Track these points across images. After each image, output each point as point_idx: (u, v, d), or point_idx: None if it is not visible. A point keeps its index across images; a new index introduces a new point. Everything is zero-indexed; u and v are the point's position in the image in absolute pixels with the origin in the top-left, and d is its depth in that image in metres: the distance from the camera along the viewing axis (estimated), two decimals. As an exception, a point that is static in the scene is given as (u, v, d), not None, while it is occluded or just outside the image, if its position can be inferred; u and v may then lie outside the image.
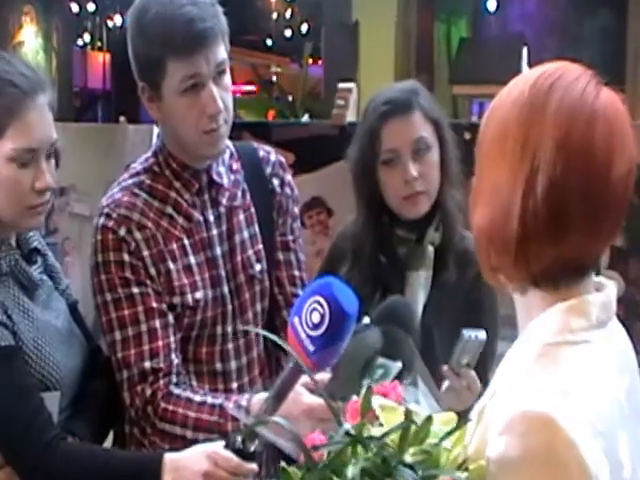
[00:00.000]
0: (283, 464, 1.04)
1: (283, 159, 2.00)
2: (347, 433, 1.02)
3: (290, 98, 7.75)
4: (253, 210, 1.90)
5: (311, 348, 1.24)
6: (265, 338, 1.83)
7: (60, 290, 1.81)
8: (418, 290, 1.93)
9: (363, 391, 1.08)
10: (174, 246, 1.79)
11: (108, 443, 1.88)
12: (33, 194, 1.66)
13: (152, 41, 1.72)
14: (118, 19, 10.97)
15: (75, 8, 10.85)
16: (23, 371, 1.62)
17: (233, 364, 1.85)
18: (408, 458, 1.01)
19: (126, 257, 1.76)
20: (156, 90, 1.76)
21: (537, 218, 1.05)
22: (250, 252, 1.88)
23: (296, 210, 1.98)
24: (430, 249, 1.95)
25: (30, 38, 10.10)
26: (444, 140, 1.93)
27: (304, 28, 10.70)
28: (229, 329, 1.83)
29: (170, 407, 1.72)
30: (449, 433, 1.02)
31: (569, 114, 1.05)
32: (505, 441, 0.99)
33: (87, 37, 12.48)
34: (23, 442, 1.60)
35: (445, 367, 1.77)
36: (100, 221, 1.78)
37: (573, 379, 1.04)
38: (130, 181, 1.83)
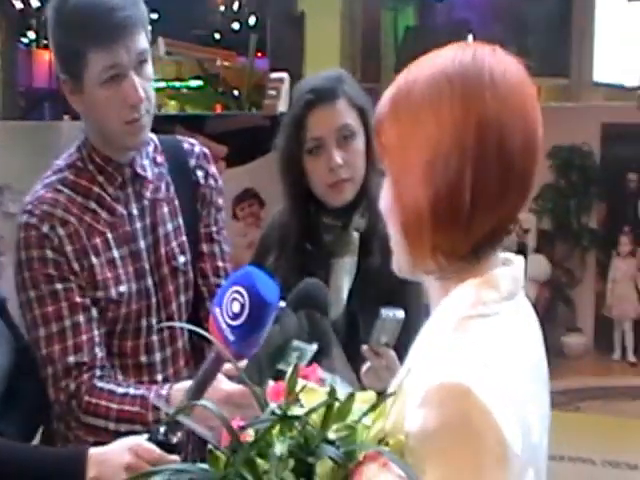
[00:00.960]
0: (210, 447, 1.06)
1: (207, 151, 2.01)
2: (273, 412, 1.04)
3: (236, 92, 7.72)
4: (177, 202, 1.91)
5: (231, 337, 1.26)
6: (190, 330, 1.84)
7: None
8: (343, 276, 1.95)
9: (289, 371, 1.10)
10: (97, 240, 1.81)
11: (37, 442, 1.88)
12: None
13: (72, 32, 1.74)
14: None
15: (19, 4, 10.70)
16: None
17: (158, 356, 1.86)
18: (331, 435, 1.03)
19: (49, 254, 1.78)
20: (78, 82, 1.77)
21: (488, 184, 1.07)
22: (174, 244, 1.89)
23: (220, 201, 1.99)
24: (355, 235, 1.97)
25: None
26: (369, 127, 1.94)
27: (252, 21, 10.65)
28: (153, 321, 1.85)
29: (93, 400, 1.73)
30: (370, 410, 1.05)
31: (503, 81, 1.09)
32: (423, 414, 1.02)
33: (32, 35, 12.32)
34: None
35: (365, 347, 1.79)
36: (23, 218, 1.80)
37: (487, 350, 1.06)
38: (54, 177, 1.85)
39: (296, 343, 1.49)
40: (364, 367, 1.80)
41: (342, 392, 1.08)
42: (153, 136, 1.92)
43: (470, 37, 7.25)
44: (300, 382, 1.10)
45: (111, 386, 1.75)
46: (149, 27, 1.81)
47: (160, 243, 1.87)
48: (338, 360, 1.65)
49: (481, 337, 1.08)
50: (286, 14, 8.09)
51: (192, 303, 1.92)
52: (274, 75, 3.33)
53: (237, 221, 3.07)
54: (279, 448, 1.02)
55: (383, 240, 1.93)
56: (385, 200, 1.16)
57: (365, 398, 1.09)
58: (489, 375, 1.04)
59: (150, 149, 1.91)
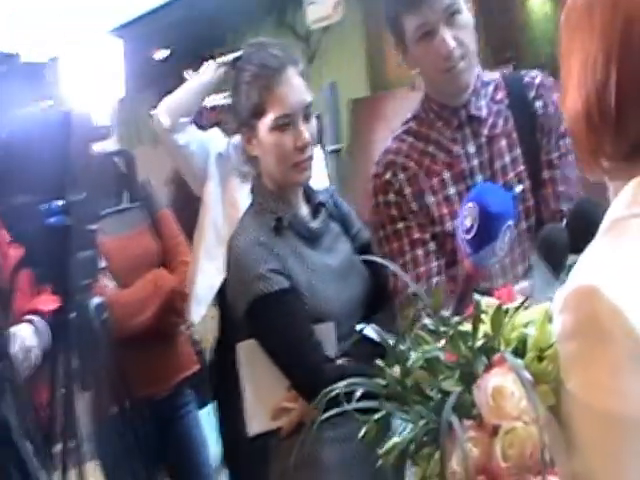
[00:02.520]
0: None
1: (549, 80, 2.07)
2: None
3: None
4: (515, 135, 2.00)
5: (468, 250, 1.38)
6: None
7: (351, 234, 2.12)
8: None
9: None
10: (434, 181, 1.97)
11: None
12: (296, 152, 1.96)
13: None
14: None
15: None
16: (296, 306, 1.92)
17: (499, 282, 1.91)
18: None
19: (391, 197, 1.97)
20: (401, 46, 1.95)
21: (634, 86, 1.08)
22: (511, 174, 1.98)
23: (562, 128, 2.01)
24: None
25: None
26: None
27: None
28: None
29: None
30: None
31: None
32: (562, 319, 1.05)
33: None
34: (294, 361, 1.91)
35: None
36: (373, 169, 2.02)
37: (631, 251, 1.06)
38: (400, 130, 2.05)
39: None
40: None
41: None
42: (495, 75, 2.04)
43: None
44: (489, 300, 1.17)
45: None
46: None
47: (497, 176, 1.96)
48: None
49: (629, 238, 1.08)
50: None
51: (535, 229, 1.96)
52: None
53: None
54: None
55: None
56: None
57: (537, 310, 1.14)
58: (625, 275, 1.05)
59: (490, 88, 2.01)
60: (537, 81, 2.03)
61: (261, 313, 1.93)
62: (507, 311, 1.13)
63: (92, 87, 1.43)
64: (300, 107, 1.97)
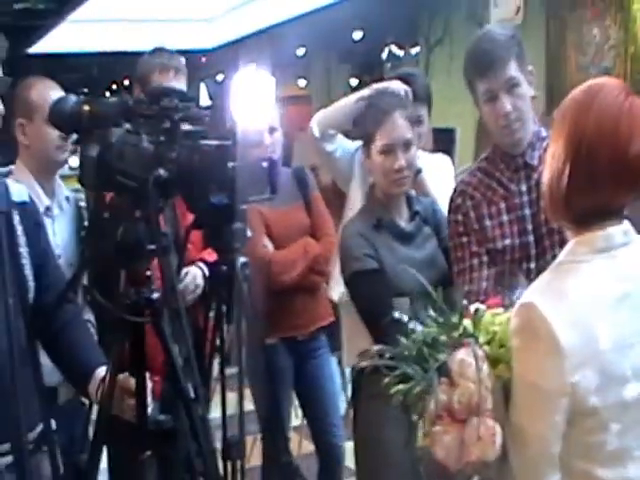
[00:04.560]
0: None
1: None
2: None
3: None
4: None
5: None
6: None
7: (440, 237, 2.74)
8: None
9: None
10: (493, 209, 2.51)
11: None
12: (394, 172, 2.64)
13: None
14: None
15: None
16: (382, 283, 2.60)
17: None
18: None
19: (459, 217, 2.54)
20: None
21: (577, 180, 1.64)
22: None
23: None
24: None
25: None
26: None
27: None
28: (532, 266, 2.45)
29: None
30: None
31: (602, 112, 1.64)
32: (513, 322, 1.65)
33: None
34: (374, 319, 2.51)
35: None
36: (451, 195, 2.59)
37: (561, 281, 1.64)
38: (475, 166, 2.62)
39: None
40: None
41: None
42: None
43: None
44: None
45: None
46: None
47: (540, 211, 2.41)
48: None
49: (563, 274, 1.65)
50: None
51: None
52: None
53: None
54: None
55: None
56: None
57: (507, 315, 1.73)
58: (553, 298, 1.60)
59: (545, 143, 2.40)
60: None
61: (354, 284, 2.67)
62: (483, 315, 1.72)
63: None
64: (400, 141, 2.62)
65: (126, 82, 13.49)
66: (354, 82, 8.79)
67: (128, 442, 1.93)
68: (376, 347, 1.79)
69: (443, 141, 5.09)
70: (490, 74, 2.38)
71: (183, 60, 3.14)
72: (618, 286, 1.65)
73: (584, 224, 1.67)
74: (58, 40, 8.43)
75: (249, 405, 3.11)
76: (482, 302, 1.78)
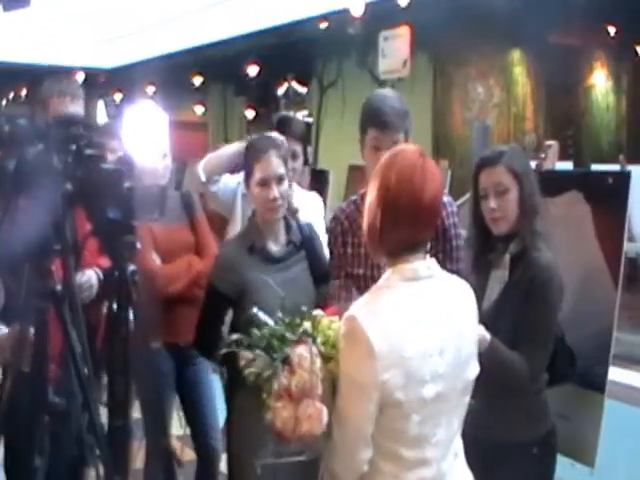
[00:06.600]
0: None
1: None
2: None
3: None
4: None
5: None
6: None
7: (309, 259, 3.13)
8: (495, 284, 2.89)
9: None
10: (355, 240, 3.01)
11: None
12: (269, 202, 3.01)
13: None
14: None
15: None
16: (222, 307, 3.06)
17: None
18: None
19: (332, 239, 3.11)
20: None
21: (386, 220, 2.08)
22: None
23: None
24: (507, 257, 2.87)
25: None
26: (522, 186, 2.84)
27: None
28: None
29: None
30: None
31: (402, 168, 2.09)
32: (341, 329, 2.08)
33: None
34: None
35: None
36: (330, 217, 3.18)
37: (378, 301, 2.08)
38: (352, 199, 3.14)
39: None
40: None
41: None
42: None
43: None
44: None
45: None
46: None
47: None
48: None
49: (377, 295, 2.09)
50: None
51: None
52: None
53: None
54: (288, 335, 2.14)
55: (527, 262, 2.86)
56: None
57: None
58: (370, 312, 2.02)
59: None
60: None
61: (206, 293, 3.14)
62: (321, 320, 2.16)
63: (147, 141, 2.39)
64: (275, 175, 3.03)
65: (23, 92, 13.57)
66: (250, 114, 9.16)
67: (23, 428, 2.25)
68: (234, 336, 2.19)
69: (318, 181, 5.59)
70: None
71: (79, 86, 3.50)
72: (422, 309, 2.10)
73: (396, 256, 2.11)
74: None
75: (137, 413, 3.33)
76: (323, 309, 2.22)
